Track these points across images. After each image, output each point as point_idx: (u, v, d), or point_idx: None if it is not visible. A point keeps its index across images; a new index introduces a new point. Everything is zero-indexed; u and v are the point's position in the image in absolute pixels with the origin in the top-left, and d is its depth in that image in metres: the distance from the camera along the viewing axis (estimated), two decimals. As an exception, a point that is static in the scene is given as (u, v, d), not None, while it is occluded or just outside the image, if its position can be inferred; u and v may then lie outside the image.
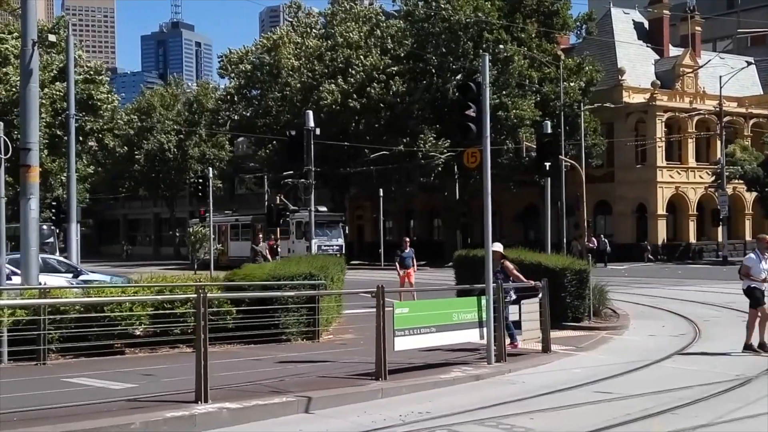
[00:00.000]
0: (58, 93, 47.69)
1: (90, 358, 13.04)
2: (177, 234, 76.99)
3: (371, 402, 10.67)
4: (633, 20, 62.30)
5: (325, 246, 50.68)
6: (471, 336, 13.41)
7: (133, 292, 15.92)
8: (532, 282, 14.71)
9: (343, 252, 49.74)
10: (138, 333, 14.21)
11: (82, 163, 54.18)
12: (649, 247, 53.92)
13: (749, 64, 57.01)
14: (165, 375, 11.40)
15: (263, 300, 14.52)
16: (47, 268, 23.56)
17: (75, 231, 25.65)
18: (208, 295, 10.69)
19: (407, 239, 25.36)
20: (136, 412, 9.24)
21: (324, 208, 52.36)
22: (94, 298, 14.43)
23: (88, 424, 8.69)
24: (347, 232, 55.60)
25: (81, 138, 52.71)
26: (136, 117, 74.83)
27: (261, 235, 30.89)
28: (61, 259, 25.87)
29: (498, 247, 14.63)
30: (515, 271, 14.78)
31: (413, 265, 23.88)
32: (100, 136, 57.18)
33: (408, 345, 12.43)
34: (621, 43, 58.88)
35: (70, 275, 22.40)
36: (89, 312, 13.32)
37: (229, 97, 66.46)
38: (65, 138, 29.68)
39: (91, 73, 52.11)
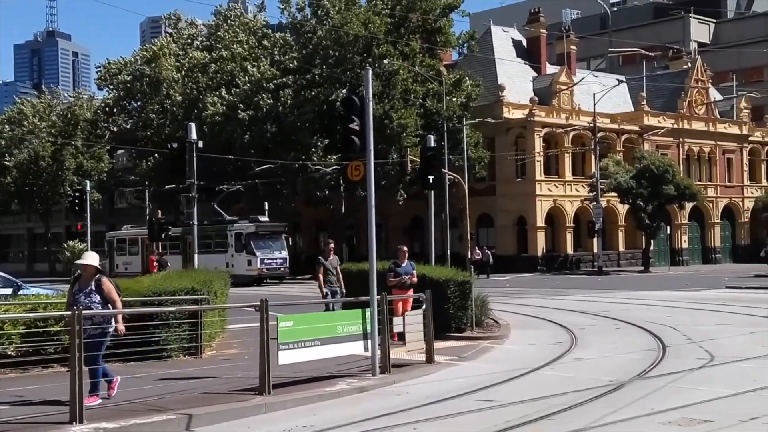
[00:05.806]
0: None
1: (-45, 381, 12.37)
2: (52, 250, 74.09)
3: (255, 417, 10.54)
4: (512, 38, 64.20)
5: (268, 260, 46.47)
6: (355, 348, 13.43)
7: (4, 310, 15.19)
8: (119, 310, 11.33)
9: (287, 266, 46.76)
10: (9, 353, 13.56)
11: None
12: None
13: (620, 82, 59.51)
14: (38, 396, 10.92)
15: (143, 316, 14.13)
16: None
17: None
18: (84, 312, 10.32)
19: (405, 248, 18.11)
20: (6, 435, 8.83)
21: (266, 219, 48.24)
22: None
23: (-48, 450, 8.25)
24: (290, 243, 51.88)
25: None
26: (7, 127, 71.71)
27: (332, 246, 20.49)
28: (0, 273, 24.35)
29: (93, 259, 11.33)
30: (115, 293, 11.23)
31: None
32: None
33: (292, 359, 12.35)
34: (501, 60, 60.55)
35: (9, 290, 20.76)
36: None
37: (107, 108, 64.53)
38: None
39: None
